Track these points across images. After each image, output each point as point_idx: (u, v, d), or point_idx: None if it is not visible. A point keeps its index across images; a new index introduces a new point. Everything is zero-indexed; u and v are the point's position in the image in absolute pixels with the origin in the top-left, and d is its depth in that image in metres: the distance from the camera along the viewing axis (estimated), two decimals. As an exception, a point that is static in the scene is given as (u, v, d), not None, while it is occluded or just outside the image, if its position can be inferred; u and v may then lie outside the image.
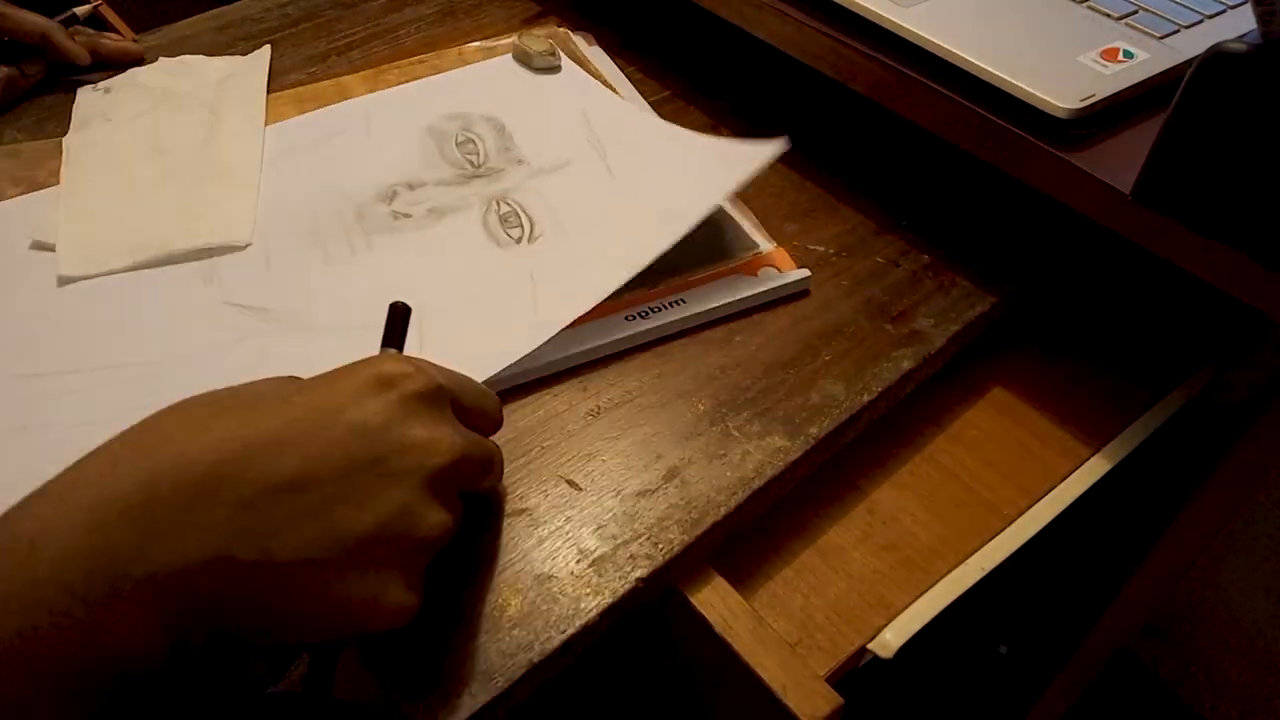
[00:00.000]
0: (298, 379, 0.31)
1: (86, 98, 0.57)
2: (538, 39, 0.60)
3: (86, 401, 0.40)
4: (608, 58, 0.62)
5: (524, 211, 0.50)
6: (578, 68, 0.60)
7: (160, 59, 0.60)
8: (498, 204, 0.50)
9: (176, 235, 0.47)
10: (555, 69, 0.60)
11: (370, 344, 0.38)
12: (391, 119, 0.56)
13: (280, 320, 0.44)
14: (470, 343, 0.42)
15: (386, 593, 0.29)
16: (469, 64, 0.60)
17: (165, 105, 0.55)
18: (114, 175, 0.50)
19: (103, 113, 0.55)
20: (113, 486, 0.26)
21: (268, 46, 0.61)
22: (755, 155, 0.48)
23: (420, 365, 0.32)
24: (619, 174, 0.52)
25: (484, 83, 0.59)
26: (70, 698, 0.25)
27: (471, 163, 0.51)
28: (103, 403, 0.40)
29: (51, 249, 0.46)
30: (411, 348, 0.40)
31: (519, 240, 0.48)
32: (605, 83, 0.60)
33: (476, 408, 0.34)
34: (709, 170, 0.50)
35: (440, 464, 0.30)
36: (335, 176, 0.51)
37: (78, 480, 0.27)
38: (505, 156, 0.53)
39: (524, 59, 0.60)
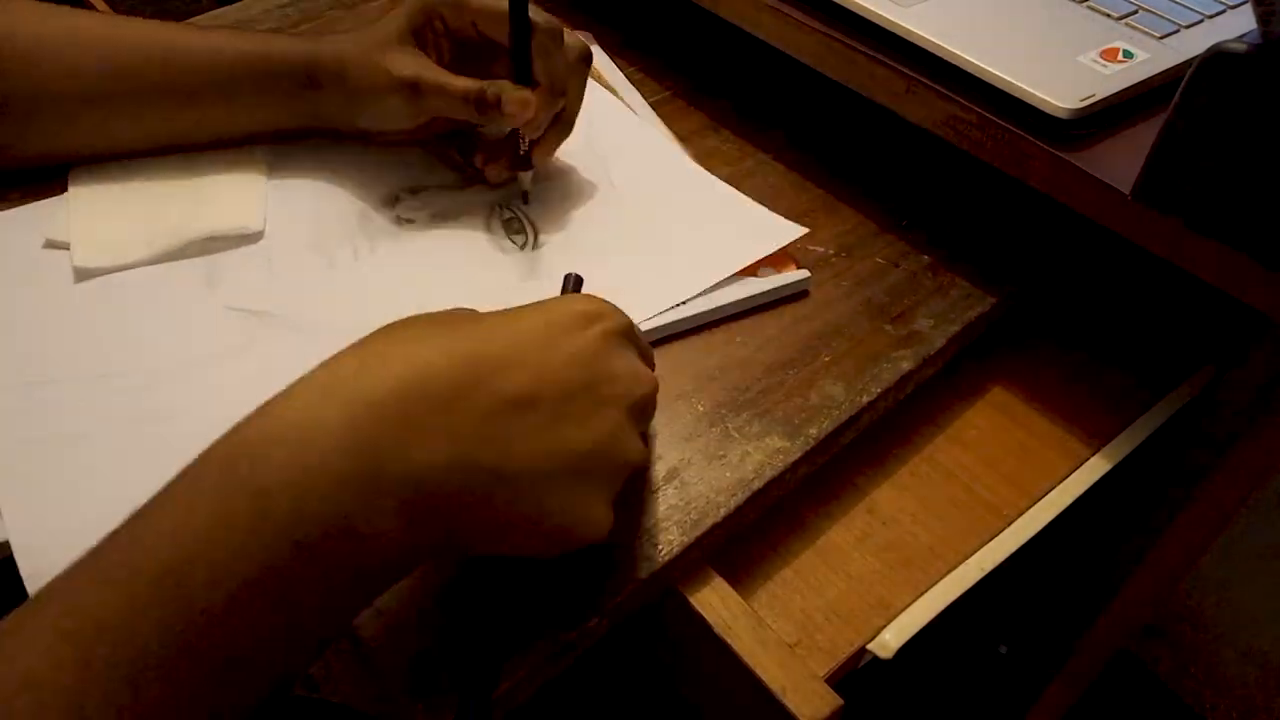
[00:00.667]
0: (495, 311, 0.33)
1: None
2: None
3: (91, 410, 0.40)
4: (607, 58, 0.62)
5: (526, 218, 0.49)
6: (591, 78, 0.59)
7: None
8: (500, 209, 0.50)
9: (189, 223, 0.47)
10: None
11: None
12: None
13: (284, 325, 0.44)
14: None
15: (592, 509, 0.31)
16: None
17: None
18: (122, 170, 0.49)
19: None
20: (368, 389, 0.28)
21: None
22: (775, 236, 0.48)
23: (613, 305, 0.35)
24: (620, 186, 0.52)
25: None
26: (330, 581, 0.27)
27: (475, 166, 0.51)
28: (108, 408, 0.40)
29: (65, 248, 0.46)
30: None
31: (522, 247, 0.48)
32: (605, 85, 0.60)
33: (646, 348, 0.37)
34: (725, 231, 0.49)
35: (643, 394, 0.33)
36: (340, 180, 0.51)
37: (332, 380, 0.29)
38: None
39: None
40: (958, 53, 0.45)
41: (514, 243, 0.48)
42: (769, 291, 0.46)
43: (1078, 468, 0.46)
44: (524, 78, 0.46)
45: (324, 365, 0.29)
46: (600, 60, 0.62)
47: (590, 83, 0.58)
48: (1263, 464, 0.48)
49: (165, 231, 0.47)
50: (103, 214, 0.47)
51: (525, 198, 0.50)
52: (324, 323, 0.44)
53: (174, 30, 0.49)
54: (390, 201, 0.50)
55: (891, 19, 0.47)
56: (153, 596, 0.24)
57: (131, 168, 0.49)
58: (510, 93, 0.46)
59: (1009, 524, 0.44)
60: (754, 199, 0.52)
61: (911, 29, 0.46)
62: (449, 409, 0.29)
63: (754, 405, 0.42)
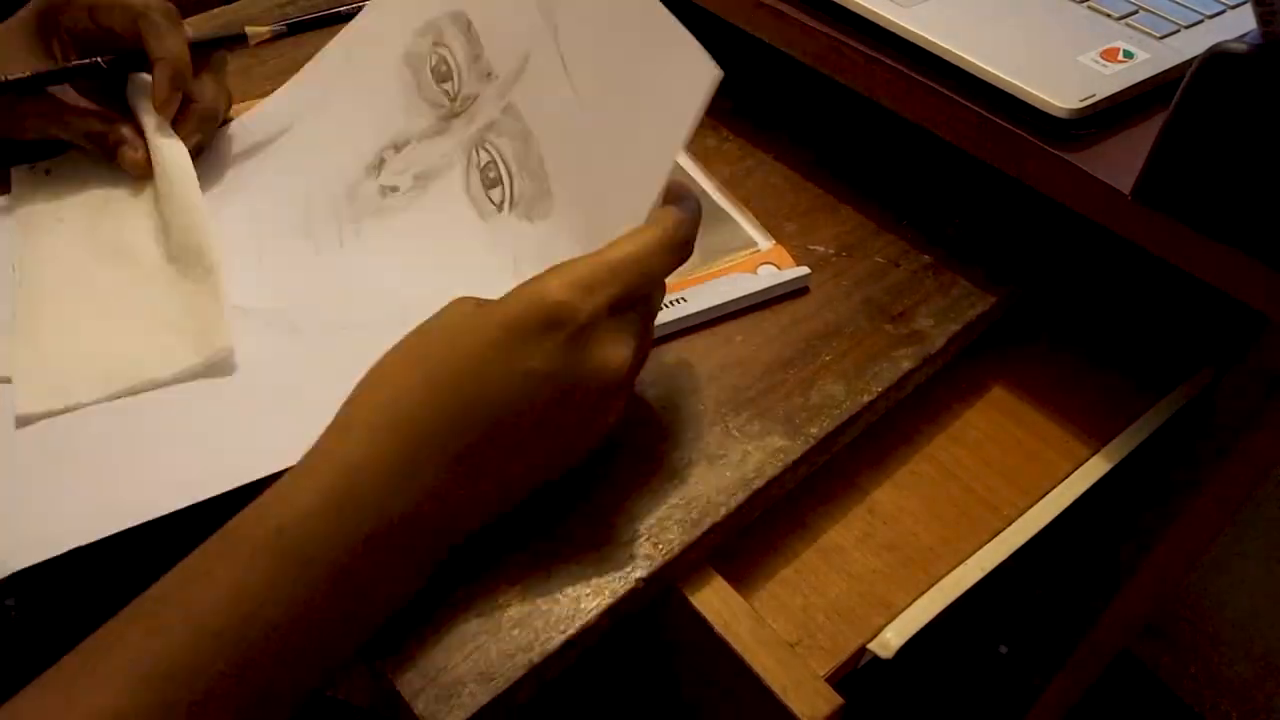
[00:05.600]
0: (476, 314, 0.34)
1: (24, 181, 0.49)
2: None
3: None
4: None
5: (501, 159, 0.46)
6: None
7: None
8: (477, 152, 0.47)
9: (154, 360, 0.41)
10: None
11: (362, 343, 0.38)
12: (370, 55, 0.52)
13: (270, 319, 0.43)
14: None
15: (587, 444, 0.37)
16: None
17: (119, 195, 0.48)
18: (73, 291, 0.44)
19: (52, 211, 0.47)
20: (375, 452, 0.32)
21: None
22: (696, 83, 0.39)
23: (584, 292, 0.33)
24: (577, 80, 0.44)
25: None
26: (374, 606, 0.32)
27: (448, 94, 0.48)
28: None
29: (5, 382, 0.40)
30: (387, 345, 0.39)
31: (500, 206, 0.46)
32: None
33: (641, 286, 0.35)
34: (664, 99, 0.40)
35: (617, 381, 0.34)
36: (325, 149, 0.49)
37: (344, 450, 0.32)
38: (475, 71, 0.49)
39: None
40: (958, 53, 0.45)
41: (492, 200, 0.46)
42: (768, 289, 0.46)
43: (1078, 468, 0.46)
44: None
45: (341, 433, 0.33)
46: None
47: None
48: (1263, 464, 0.48)
49: (126, 370, 0.41)
50: (52, 349, 0.42)
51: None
52: (310, 317, 0.43)
53: None
54: (375, 167, 0.48)
55: (891, 19, 0.47)
56: (217, 649, 0.28)
57: (83, 286, 0.44)
58: (128, 150, 0.47)
59: (1009, 524, 0.44)
60: (754, 198, 0.52)
61: (911, 29, 0.46)
62: (444, 452, 0.32)
63: (754, 404, 0.42)
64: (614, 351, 0.34)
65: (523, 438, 0.33)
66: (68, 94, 0.48)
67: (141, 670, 0.27)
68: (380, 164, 0.49)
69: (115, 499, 0.36)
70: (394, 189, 0.48)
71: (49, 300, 0.43)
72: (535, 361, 0.32)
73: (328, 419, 0.38)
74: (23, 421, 0.39)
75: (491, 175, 0.47)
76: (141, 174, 0.48)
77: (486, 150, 0.47)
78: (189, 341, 0.42)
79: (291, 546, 0.30)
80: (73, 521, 0.35)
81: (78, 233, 0.47)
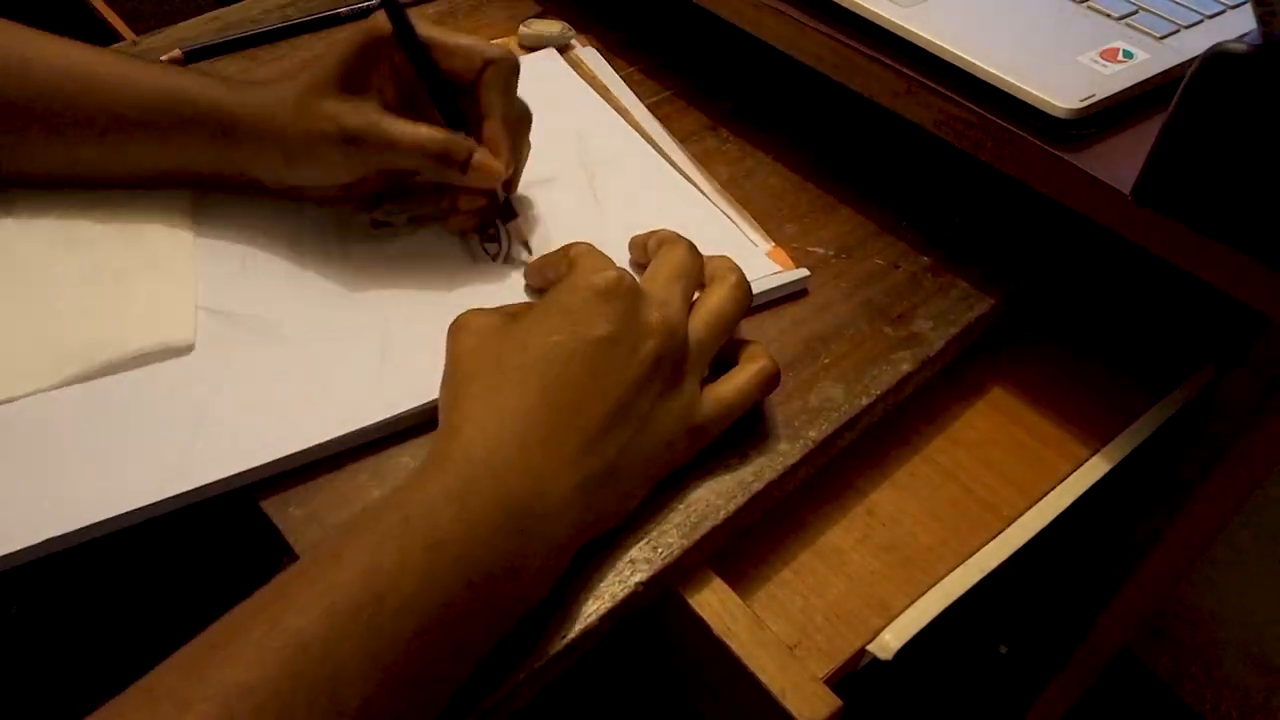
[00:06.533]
0: (527, 320, 0.37)
1: None
2: (549, 23, 0.62)
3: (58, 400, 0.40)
4: (602, 59, 0.62)
5: (503, 227, 0.48)
6: (586, 84, 0.59)
7: None
8: None
9: (107, 342, 0.41)
10: (571, 45, 0.62)
11: (337, 356, 0.40)
12: None
13: (248, 326, 0.43)
14: (435, 359, 0.39)
15: (672, 428, 0.37)
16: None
17: (74, 195, 0.47)
18: (23, 279, 0.43)
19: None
20: (495, 449, 0.33)
21: None
22: (745, 261, 0.43)
23: (615, 266, 0.37)
24: (604, 201, 0.51)
25: None
26: (497, 609, 0.32)
27: (438, 212, 0.49)
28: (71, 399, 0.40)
29: None
30: (373, 361, 0.42)
31: (495, 257, 0.48)
32: (601, 87, 0.60)
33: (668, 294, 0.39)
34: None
35: (675, 337, 0.37)
36: None
37: (469, 449, 0.33)
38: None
39: (539, 42, 0.61)
40: (958, 53, 0.45)
41: (487, 252, 0.48)
42: (768, 291, 0.46)
43: (1078, 468, 0.46)
44: (455, 121, 0.44)
45: (451, 436, 0.34)
46: (595, 61, 0.62)
47: (584, 88, 0.59)
48: (1263, 464, 0.48)
49: (79, 353, 0.40)
50: (3, 335, 0.41)
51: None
52: (289, 328, 0.43)
53: (94, 55, 0.45)
54: (369, 205, 0.49)
55: (891, 19, 0.47)
56: (349, 626, 0.28)
57: (34, 273, 0.43)
58: (483, 155, 0.43)
59: (1009, 524, 0.44)
60: (754, 199, 0.52)
61: (911, 29, 0.46)
62: (551, 444, 0.33)
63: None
64: (662, 313, 0.37)
65: (617, 406, 0.35)
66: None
67: (274, 644, 0.27)
68: (376, 204, 0.50)
69: (75, 495, 0.36)
70: (387, 224, 0.49)
71: None
72: (607, 330, 0.35)
73: (304, 421, 0.39)
74: None
75: (490, 233, 0.48)
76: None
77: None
78: (144, 327, 0.42)
79: (419, 532, 0.31)
80: (31, 517, 0.35)
81: (25, 223, 0.45)
